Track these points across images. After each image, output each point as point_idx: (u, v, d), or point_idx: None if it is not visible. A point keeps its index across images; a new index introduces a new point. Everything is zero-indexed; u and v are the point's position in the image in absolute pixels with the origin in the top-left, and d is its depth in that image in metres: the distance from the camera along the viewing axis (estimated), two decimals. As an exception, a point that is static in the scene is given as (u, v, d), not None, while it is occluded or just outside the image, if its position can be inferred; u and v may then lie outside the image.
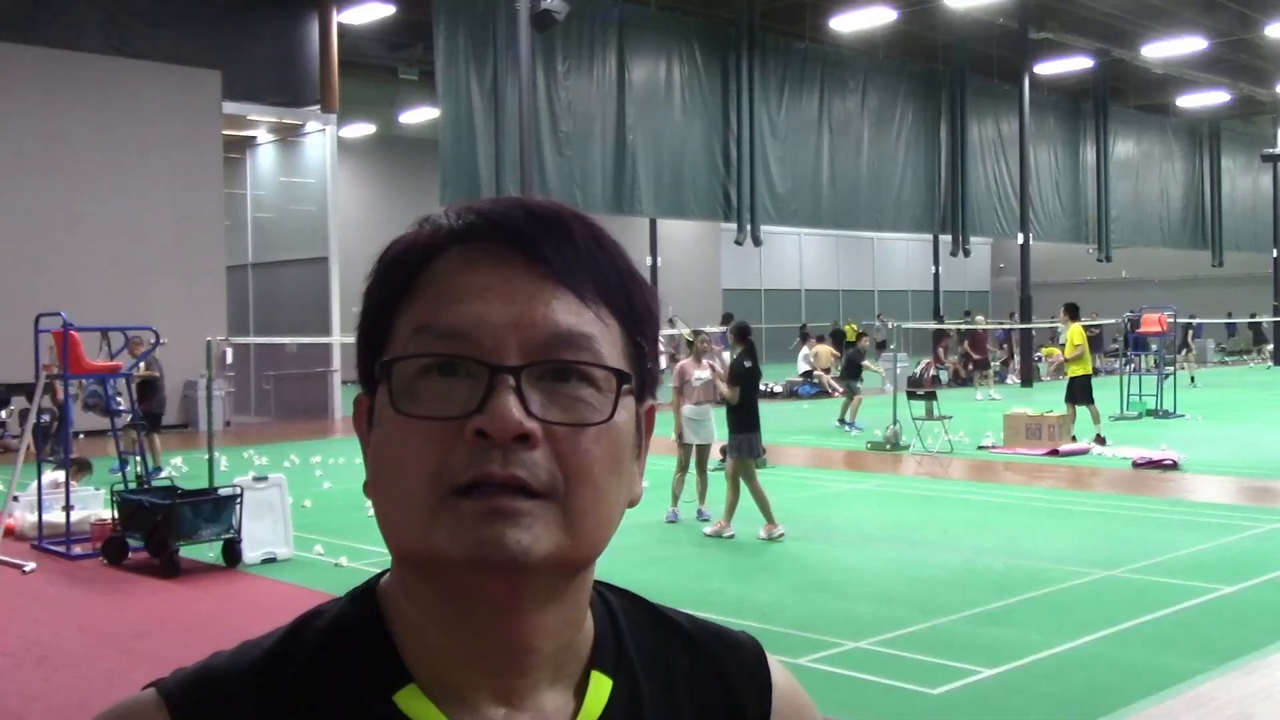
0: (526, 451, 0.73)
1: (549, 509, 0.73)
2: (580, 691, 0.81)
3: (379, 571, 0.83)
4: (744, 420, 9.65)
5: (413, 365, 0.75)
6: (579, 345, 0.75)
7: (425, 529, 0.73)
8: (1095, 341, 29.68)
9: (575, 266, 0.77)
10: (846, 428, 18.05)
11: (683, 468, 10.38)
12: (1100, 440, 15.39)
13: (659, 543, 9.60)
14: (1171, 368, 20.97)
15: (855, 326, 28.04)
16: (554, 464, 0.74)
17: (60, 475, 10.21)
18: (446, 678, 0.77)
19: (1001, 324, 31.94)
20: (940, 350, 27.76)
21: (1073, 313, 16.22)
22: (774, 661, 0.93)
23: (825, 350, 25.71)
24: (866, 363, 19.19)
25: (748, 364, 9.77)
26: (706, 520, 10.21)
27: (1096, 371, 17.91)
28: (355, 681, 0.77)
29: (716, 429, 10.30)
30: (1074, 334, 15.88)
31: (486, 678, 0.77)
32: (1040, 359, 29.09)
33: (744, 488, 9.60)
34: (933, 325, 31.82)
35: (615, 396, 0.76)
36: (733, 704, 0.88)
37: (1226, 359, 37.11)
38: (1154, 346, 21.78)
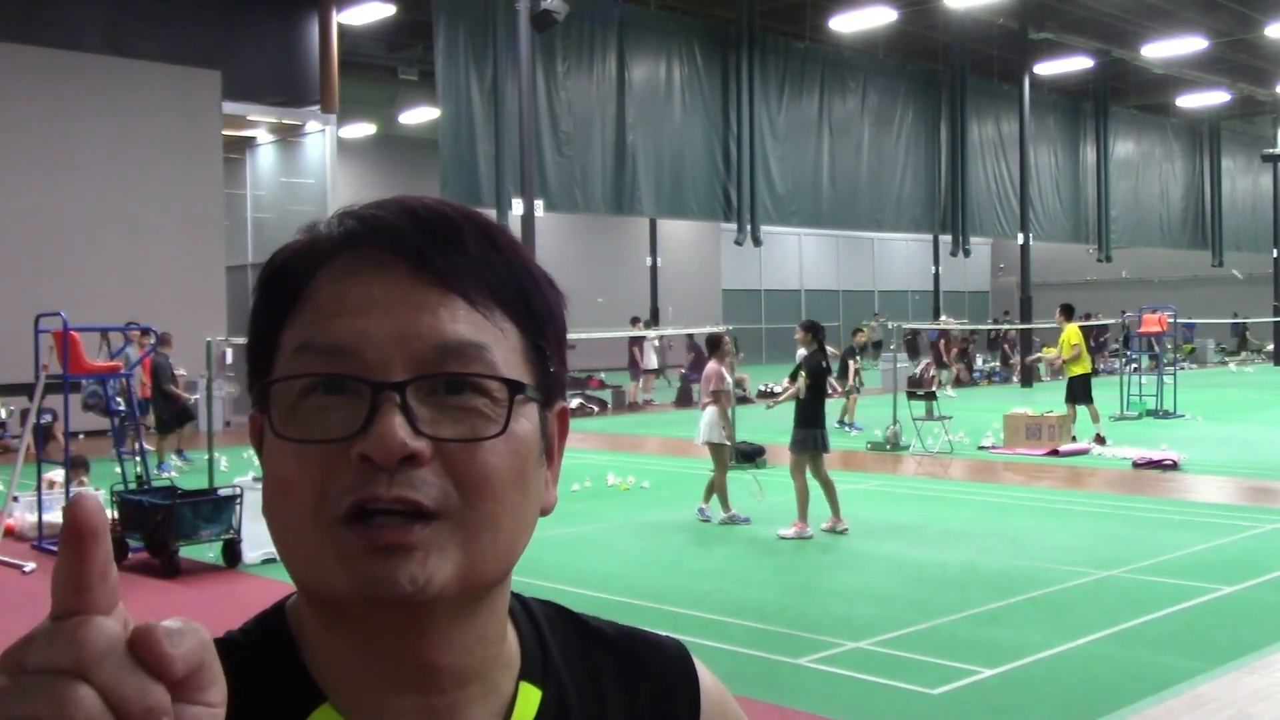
0: (414, 470, 0.68)
1: (444, 530, 0.69)
2: (510, 705, 0.78)
3: (289, 593, 0.79)
4: (817, 415, 9.77)
5: (295, 385, 0.71)
6: (469, 356, 0.71)
7: (314, 560, 0.70)
8: (1100, 342, 29.87)
9: (465, 271, 0.73)
10: (846, 428, 18.06)
11: (725, 468, 10.36)
12: (1100, 440, 15.40)
13: (658, 543, 9.61)
14: (1173, 367, 20.99)
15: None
16: (446, 479, 0.69)
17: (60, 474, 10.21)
18: (363, 697, 0.74)
19: (1003, 325, 31.98)
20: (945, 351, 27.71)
21: (1068, 313, 16.27)
22: (701, 665, 0.91)
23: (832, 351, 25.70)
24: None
25: (824, 362, 10.02)
26: (707, 520, 10.22)
27: (1097, 371, 17.93)
28: (265, 704, 0.73)
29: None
30: (1070, 334, 15.90)
31: (403, 697, 0.73)
32: (1040, 359, 29.11)
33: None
34: (931, 325, 31.85)
35: (509, 407, 0.71)
36: (662, 709, 0.87)
37: (1226, 359, 37.09)
38: (1168, 345, 21.80)
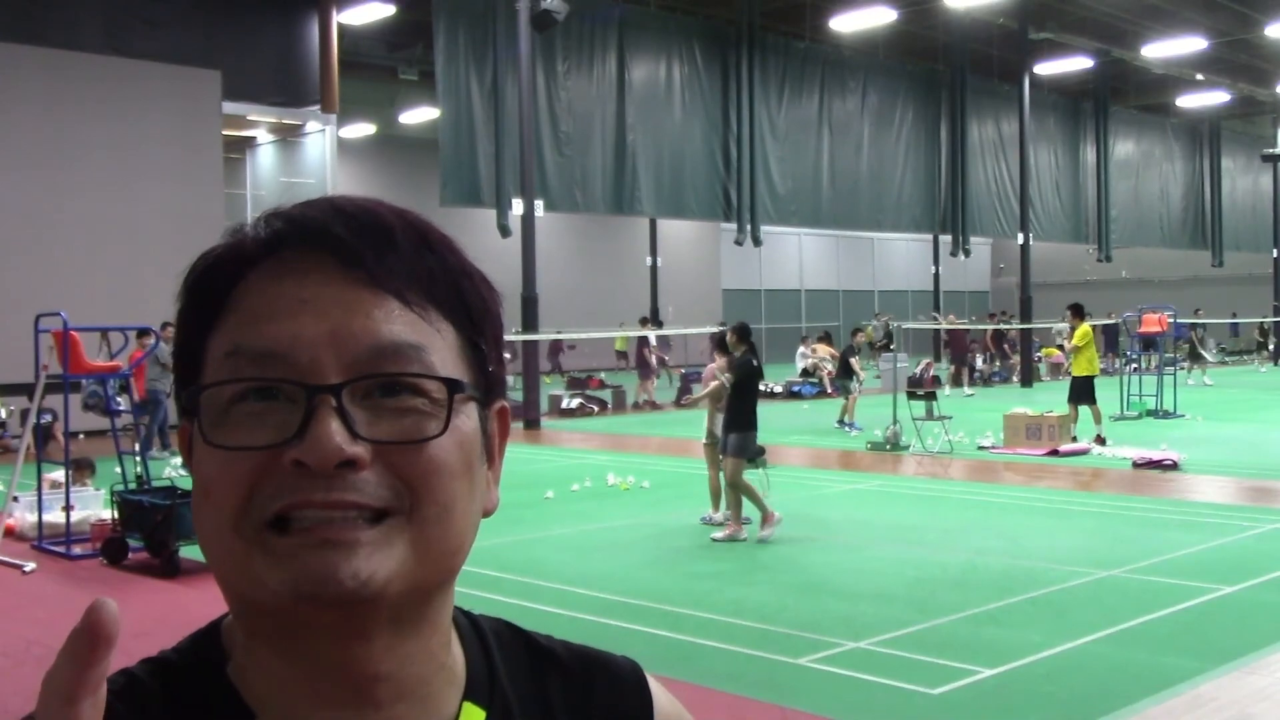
0: (354, 474, 0.66)
1: (393, 527, 0.67)
2: None
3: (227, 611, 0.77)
4: (751, 419, 9.64)
5: (225, 391, 0.69)
6: (405, 356, 0.69)
7: (242, 563, 0.67)
8: (1112, 342, 29.96)
9: (397, 270, 0.70)
10: (846, 428, 18.06)
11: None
12: (1100, 440, 15.41)
13: (658, 544, 9.60)
14: (1173, 367, 21.02)
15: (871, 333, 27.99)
16: (393, 479, 0.67)
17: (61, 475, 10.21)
18: (293, 714, 0.71)
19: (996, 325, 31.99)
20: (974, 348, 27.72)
21: (1079, 313, 16.32)
22: (656, 685, 0.88)
23: (823, 348, 25.77)
24: (854, 360, 19.18)
25: (756, 362, 9.79)
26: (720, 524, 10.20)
27: (1103, 371, 17.96)
28: None
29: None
30: (1081, 333, 15.94)
31: (337, 711, 0.70)
32: (1040, 359, 29.15)
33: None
34: (932, 325, 31.88)
35: (448, 407, 0.69)
36: None
37: (1227, 359, 37.10)
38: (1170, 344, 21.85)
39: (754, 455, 9.77)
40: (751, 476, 9.61)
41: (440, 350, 0.71)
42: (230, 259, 0.73)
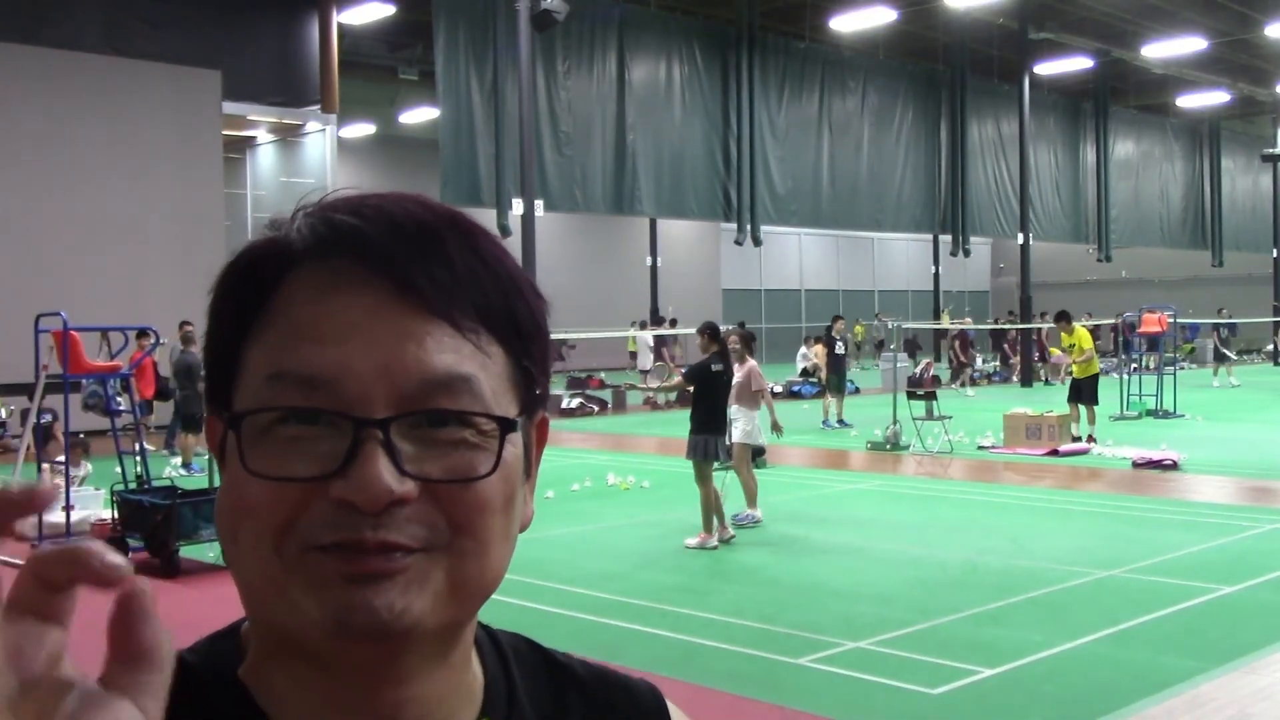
0: (399, 509, 0.65)
1: (429, 560, 0.66)
2: None
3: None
4: (705, 421, 9.49)
5: (267, 414, 0.66)
6: (457, 389, 0.66)
7: (279, 589, 0.65)
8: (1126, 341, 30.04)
9: (451, 291, 0.67)
10: (841, 426, 18.12)
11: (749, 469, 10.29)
12: (1091, 439, 15.47)
13: (659, 543, 9.60)
14: (1173, 368, 21.03)
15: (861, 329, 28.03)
16: (436, 515, 0.66)
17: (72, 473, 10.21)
18: None
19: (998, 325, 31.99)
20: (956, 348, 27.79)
21: (1068, 318, 16.41)
22: (675, 709, 0.87)
23: (822, 349, 25.79)
24: (821, 346, 19.24)
25: (716, 367, 9.58)
26: (759, 523, 10.20)
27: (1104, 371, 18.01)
28: None
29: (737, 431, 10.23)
30: (1082, 338, 15.98)
31: None
32: (1056, 364, 29.14)
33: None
34: (932, 324, 31.91)
35: (499, 445, 0.68)
36: None
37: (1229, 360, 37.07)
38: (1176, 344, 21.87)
39: (755, 456, 9.77)
40: (720, 475, 9.61)
41: (490, 377, 0.68)
42: (273, 259, 0.69)
